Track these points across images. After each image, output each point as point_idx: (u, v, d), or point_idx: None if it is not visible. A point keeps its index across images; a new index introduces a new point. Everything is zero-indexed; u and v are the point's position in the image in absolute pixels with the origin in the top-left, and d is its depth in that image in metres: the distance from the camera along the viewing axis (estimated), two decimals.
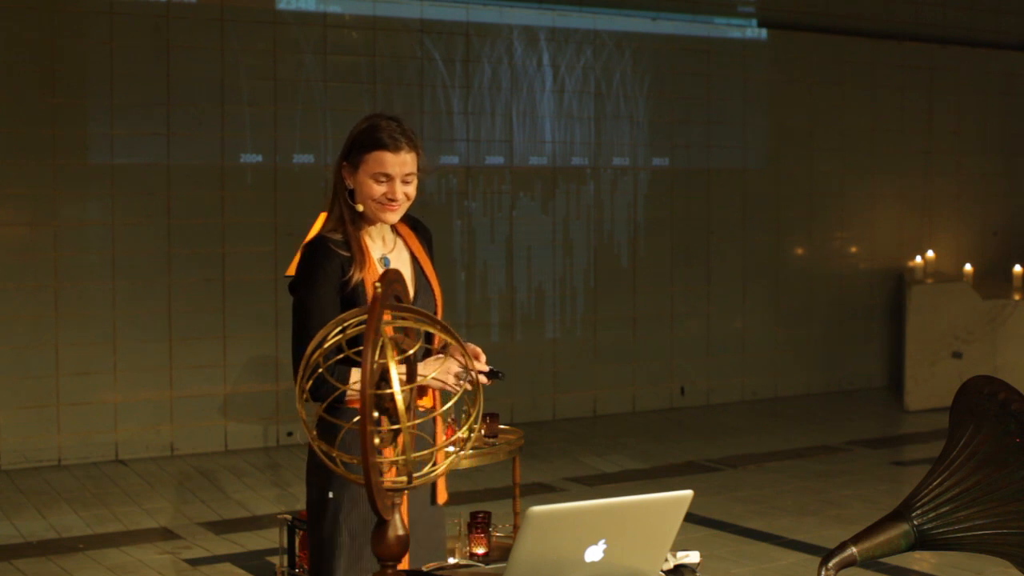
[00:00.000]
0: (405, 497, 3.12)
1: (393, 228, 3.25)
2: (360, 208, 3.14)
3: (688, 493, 2.20)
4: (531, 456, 7.46)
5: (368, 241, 3.16)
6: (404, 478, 2.28)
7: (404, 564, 3.09)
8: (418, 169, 3.16)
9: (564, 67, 9.02)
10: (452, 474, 5.18)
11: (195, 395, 7.78)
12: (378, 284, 2.24)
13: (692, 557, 2.49)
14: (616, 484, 7.16)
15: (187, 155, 7.76)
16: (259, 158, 7.97)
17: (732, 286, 9.84)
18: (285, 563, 4.90)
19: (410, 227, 3.30)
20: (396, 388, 2.20)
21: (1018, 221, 11.35)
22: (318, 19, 8.13)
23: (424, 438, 2.84)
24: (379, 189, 3.10)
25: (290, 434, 8.05)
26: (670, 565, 2.46)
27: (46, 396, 7.39)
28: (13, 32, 7.29)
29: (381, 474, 2.24)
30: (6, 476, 7.11)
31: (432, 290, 3.28)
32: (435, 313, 3.22)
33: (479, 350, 3.14)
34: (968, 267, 10.17)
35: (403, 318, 2.39)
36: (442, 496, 3.29)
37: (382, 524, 2.29)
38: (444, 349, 3.18)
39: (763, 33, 9.88)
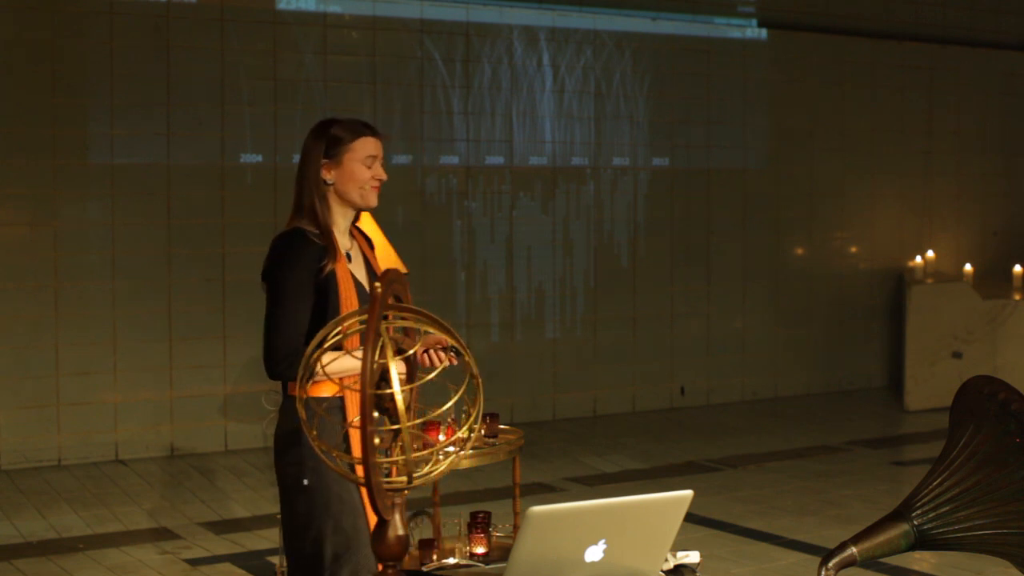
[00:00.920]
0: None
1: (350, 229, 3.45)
2: (360, 191, 3.32)
3: (688, 493, 2.20)
4: (531, 456, 7.46)
5: (337, 233, 3.36)
6: (404, 478, 2.28)
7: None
8: None
9: (564, 67, 9.02)
10: (452, 474, 5.19)
11: (195, 395, 7.78)
12: (378, 284, 2.24)
13: (692, 557, 2.49)
14: (616, 484, 7.16)
15: (187, 155, 7.76)
16: (259, 158, 7.97)
17: (732, 286, 9.84)
18: (285, 563, 4.90)
19: (358, 231, 3.52)
20: (396, 388, 2.20)
21: (1018, 221, 11.35)
22: (318, 19, 8.13)
23: (424, 437, 2.84)
24: (367, 173, 3.34)
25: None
26: (670, 565, 2.46)
27: (46, 396, 7.39)
28: (13, 32, 7.29)
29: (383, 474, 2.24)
30: (6, 476, 7.11)
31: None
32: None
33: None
34: (968, 267, 10.16)
35: (403, 318, 2.39)
36: None
37: (382, 524, 2.29)
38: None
39: (763, 33, 9.88)
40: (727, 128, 9.75)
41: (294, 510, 3.23)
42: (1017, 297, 9.62)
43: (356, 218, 3.44)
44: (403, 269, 3.52)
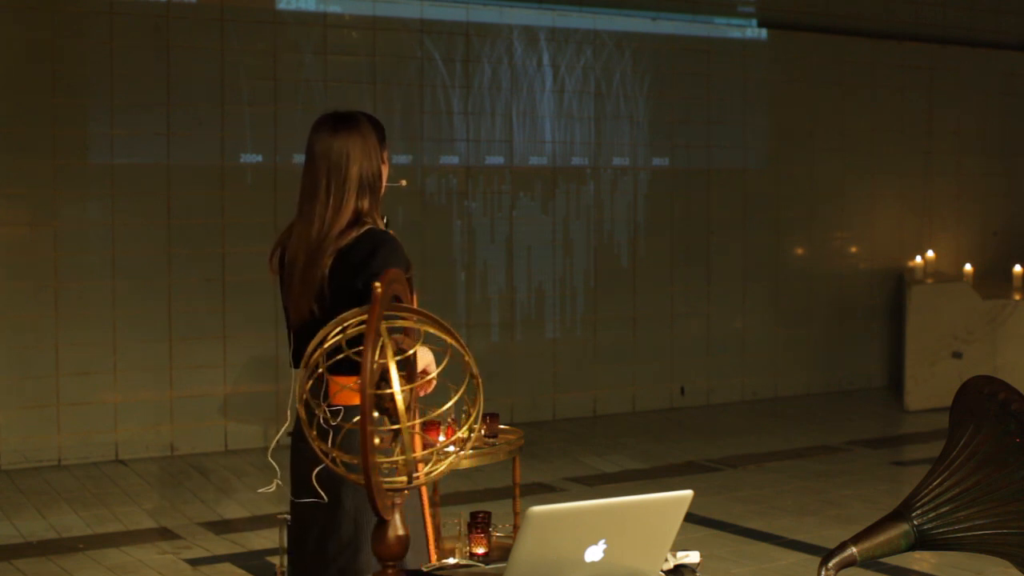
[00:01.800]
0: (424, 493, 3.13)
1: None
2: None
3: (688, 493, 2.20)
4: (531, 456, 7.45)
5: None
6: (404, 478, 2.28)
7: (428, 558, 3.12)
8: None
9: (564, 67, 9.02)
10: (452, 474, 5.18)
11: (195, 395, 7.78)
12: (378, 284, 2.24)
13: (692, 557, 2.48)
14: (616, 484, 7.16)
15: (187, 155, 7.76)
16: (259, 158, 7.97)
17: (732, 286, 9.83)
18: (285, 563, 4.90)
19: None
20: (396, 388, 2.20)
21: (1018, 221, 11.35)
22: (318, 19, 8.13)
23: (425, 438, 2.84)
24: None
25: (291, 434, 8.03)
26: (670, 565, 2.46)
27: (46, 396, 7.39)
28: (13, 32, 7.29)
29: (383, 473, 2.24)
30: (6, 476, 7.11)
31: None
32: None
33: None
34: (968, 267, 10.16)
35: (403, 318, 2.39)
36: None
37: (382, 524, 2.29)
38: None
39: (763, 33, 9.88)
40: (727, 128, 9.75)
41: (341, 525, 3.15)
42: (1017, 297, 9.62)
43: None
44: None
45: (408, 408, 2.35)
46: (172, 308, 7.71)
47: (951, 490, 2.29)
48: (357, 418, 2.18)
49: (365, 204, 3.18)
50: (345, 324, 2.34)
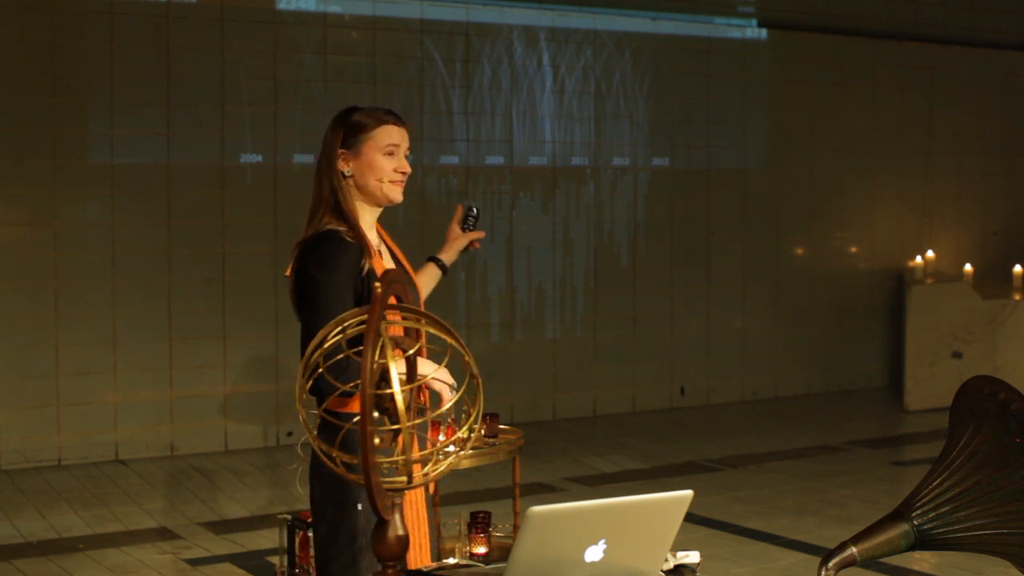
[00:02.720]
0: (423, 496, 3.11)
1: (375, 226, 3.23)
2: (377, 183, 3.09)
3: (688, 493, 2.20)
4: (531, 456, 7.45)
5: (365, 230, 3.13)
6: (404, 478, 2.28)
7: (426, 559, 3.10)
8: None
9: (564, 67, 9.02)
10: (452, 474, 5.19)
11: (195, 395, 7.78)
12: (378, 284, 2.24)
13: (692, 557, 2.48)
14: (616, 484, 7.16)
15: (187, 155, 7.76)
16: (259, 158, 7.97)
17: (732, 286, 9.84)
18: (285, 563, 4.90)
19: (381, 227, 3.28)
20: (396, 388, 2.20)
21: (1018, 221, 11.35)
22: (318, 19, 8.13)
23: (423, 438, 2.84)
24: (389, 164, 3.11)
25: (290, 434, 8.05)
26: (670, 565, 2.46)
27: (46, 396, 7.39)
28: (13, 32, 7.29)
29: (384, 473, 2.24)
30: (6, 476, 7.11)
31: (415, 283, 3.26)
32: (420, 305, 3.19)
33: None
34: (968, 267, 10.16)
35: (403, 318, 2.39)
36: (431, 487, 3.30)
37: (382, 524, 2.29)
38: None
39: (763, 33, 9.88)
40: (727, 128, 9.75)
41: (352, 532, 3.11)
42: (1017, 297, 9.62)
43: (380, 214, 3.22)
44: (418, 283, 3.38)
45: (408, 408, 2.35)
46: (172, 308, 7.71)
47: (951, 490, 2.29)
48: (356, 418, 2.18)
49: (324, 199, 3.09)
50: (345, 324, 2.34)
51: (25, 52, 7.33)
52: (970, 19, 10.97)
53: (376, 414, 2.28)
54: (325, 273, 2.97)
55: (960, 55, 10.88)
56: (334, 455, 2.37)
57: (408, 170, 3.16)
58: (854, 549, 2.33)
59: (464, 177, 8.69)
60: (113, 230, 7.58)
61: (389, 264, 3.17)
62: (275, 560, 5.51)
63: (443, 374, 3.05)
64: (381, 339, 2.21)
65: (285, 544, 4.91)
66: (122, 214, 7.59)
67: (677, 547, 2.44)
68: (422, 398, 3.16)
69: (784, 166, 10.05)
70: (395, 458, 2.27)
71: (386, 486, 2.27)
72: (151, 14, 7.63)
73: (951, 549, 2.34)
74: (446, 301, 8.46)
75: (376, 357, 2.19)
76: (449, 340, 2.41)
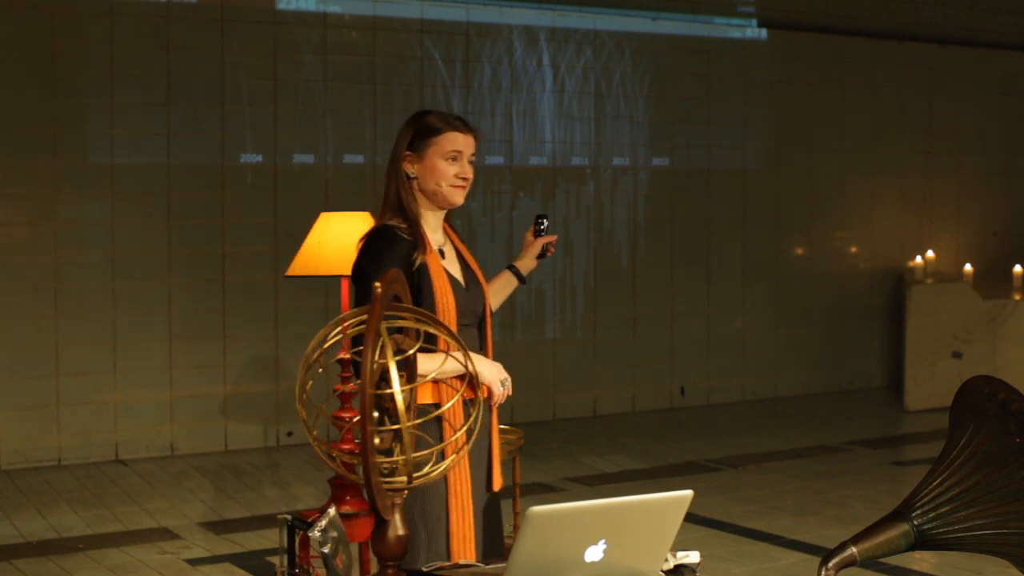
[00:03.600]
0: (470, 488, 3.15)
1: (443, 226, 3.37)
2: (437, 186, 3.22)
3: (688, 493, 2.20)
4: (531, 456, 7.45)
5: (427, 229, 3.27)
6: (404, 478, 2.28)
7: (470, 554, 3.12)
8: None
9: (564, 67, 9.02)
10: None
11: (195, 395, 7.78)
12: (378, 284, 2.24)
13: (692, 557, 2.48)
14: (616, 484, 7.16)
15: (187, 155, 7.76)
16: (259, 158, 7.97)
17: (732, 286, 9.84)
18: (285, 563, 4.90)
19: (451, 229, 3.45)
20: (396, 388, 2.20)
21: (1018, 221, 11.35)
22: (318, 19, 8.13)
23: (425, 439, 2.84)
24: (451, 169, 3.23)
25: (290, 434, 8.05)
26: (670, 565, 2.46)
27: (46, 396, 7.39)
28: (13, 32, 7.29)
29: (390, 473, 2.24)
30: (6, 476, 7.11)
31: (482, 286, 3.41)
32: (485, 307, 3.37)
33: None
34: (968, 267, 10.16)
35: (402, 318, 2.39)
36: (497, 483, 3.36)
37: (382, 524, 2.29)
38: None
39: (763, 33, 9.88)
40: (727, 128, 9.75)
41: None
42: (1017, 297, 9.62)
43: (448, 216, 3.38)
44: (485, 284, 3.50)
45: (408, 408, 2.35)
46: (172, 308, 7.71)
47: (951, 490, 2.29)
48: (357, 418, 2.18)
49: (390, 197, 3.26)
50: (345, 324, 2.34)
51: (25, 52, 7.33)
52: (970, 19, 10.97)
53: (376, 414, 2.28)
54: (373, 265, 3.12)
55: (960, 55, 10.88)
56: (334, 455, 2.37)
57: (470, 176, 3.28)
58: (854, 549, 2.33)
59: None
60: (113, 230, 7.57)
61: (451, 265, 3.31)
62: (275, 560, 5.51)
63: (493, 370, 3.15)
64: (381, 339, 2.21)
65: (285, 544, 4.90)
66: (122, 214, 7.59)
67: (677, 547, 2.44)
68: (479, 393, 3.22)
69: (784, 166, 10.05)
70: (395, 458, 2.28)
71: (386, 486, 2.27)
72: (151, 14, 7.62)
73: (951, 549, 2.34)
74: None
75: (376, 357, 2.20)
76: (450, 341, 2.41)
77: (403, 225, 3.20)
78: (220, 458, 7.66)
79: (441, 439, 3.02)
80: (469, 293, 3.30)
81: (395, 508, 2.30)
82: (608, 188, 9.25)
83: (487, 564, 2.66)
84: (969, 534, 2.28)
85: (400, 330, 2.51)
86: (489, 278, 3.60)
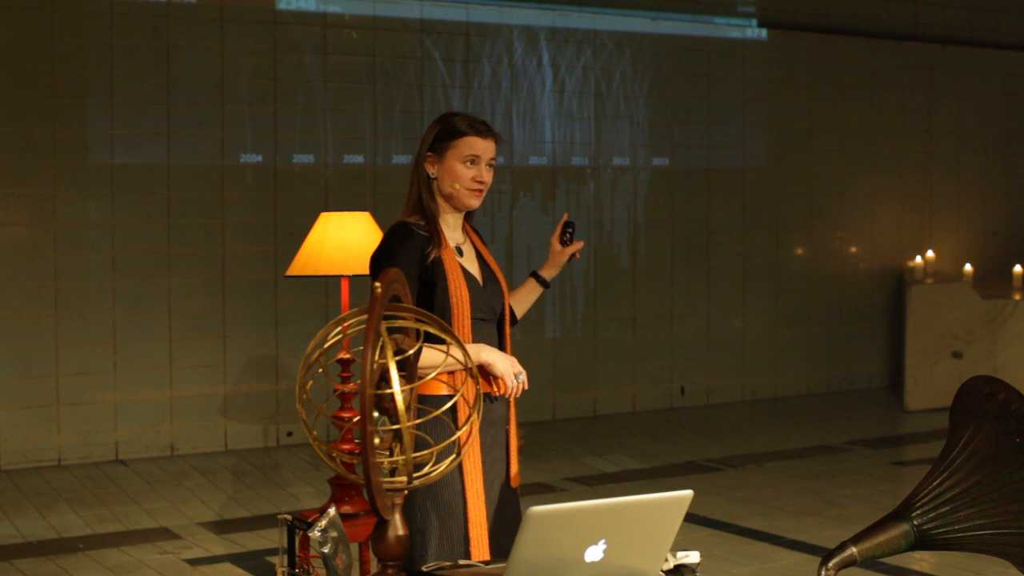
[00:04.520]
0: (482, 476, 3.17)
1: (463, 226, 3.42)
2: (452, 189, 3.29)
3: (688, 493, 2.20)
4: (531, 456, 7.46)
5: (445, 228, 3.33)
6: (404, 478, 2.28)
7: (485, 542, 3.13)
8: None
9: (564, 67, 9.02)
10: None
11: (195, 395, 7.78)
12: (378, 284, 2.24)
13: (692, 557, 2.48)
14: (616, 484, 7.16)
15: (187, 155, 7.76)
16: (259, 158, 7.97)
17: (732, 286, 9.84)
18: (285, 563, 4.90)
19: (473, 230, 3.49)
20: (396, 388, 2.20)
21: (1018, 221, 11.35)
22: (318, 19, 8.13)
23: (425, 438, 2.84)
24: (468, 173, 3.31)
25: (290, 434, 8.05)
26: (670, 565, 2.46)
27: (46, 396, 7.39)
28: (13, 32, 7.29)
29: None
30: (6, 476, 7.11)
31: (501, 284, 3.42)
32: (503, 306, 3.39)
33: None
34: (968, 267, 10.16)
35: (402, 318, 2.39)
36: (515, 480, 3.38)
37: (382, 524, 2.29)
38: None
39: (763, 33, 9.88)
40: (727, 128, 9.75)
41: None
42: (1017, 297, 9.62)
43: (468, 217, 3.43)
44: (504, 283, 3.53)
45: (408, 408, 2.35)
46: (172, 308, 7.71)
47: (951, 490, 2.29)
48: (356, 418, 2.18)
49: (412, 191, 3.34)
50: (345, 324, 2.34)
51: (25, 52, 7.33)
52: (970, 19, 10.97)
53: (376, 414, 2.28)
54: (387, 258, 3.20)
55: (960, 55, 10.88)
56: (334, 455, 2.37)
57: (487, 180, 3.35)
58: (854, 549, 2.33)
59: None
60: (113, 230, 7.58)
61: (469, 263, 3.34)
62: (275, 560, 5.51)
63: (507, 363, 3.16)
64: (381, 339, 2.21)
65: (285, 544, 4.91)
66: (122, 214, 7.59)
67: (677, 547, 2.45)
68: (493, 388, 3.22)
69: (784, 166, 10.05)
70: (395, 458, 2.28)
71: (386, 486, 2.27)
72: (151, 14, 7.62)
73: (951, 549, 2.34)
74: None
75: (376, 357, 2.19)
76: (450, 341, 2.41)
77: (421, 222, 3.27)
78: (220, 458, 7.66)
79: (457, 429, 3.04)
80: (486, 290, 3.33)
81: (395, 508, 2.30)
82: (608, 188, 9.25)
83: (493, 562, 2.66)
84: (969, 534, 2.28)
85: (400, 330, 2.51)
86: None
